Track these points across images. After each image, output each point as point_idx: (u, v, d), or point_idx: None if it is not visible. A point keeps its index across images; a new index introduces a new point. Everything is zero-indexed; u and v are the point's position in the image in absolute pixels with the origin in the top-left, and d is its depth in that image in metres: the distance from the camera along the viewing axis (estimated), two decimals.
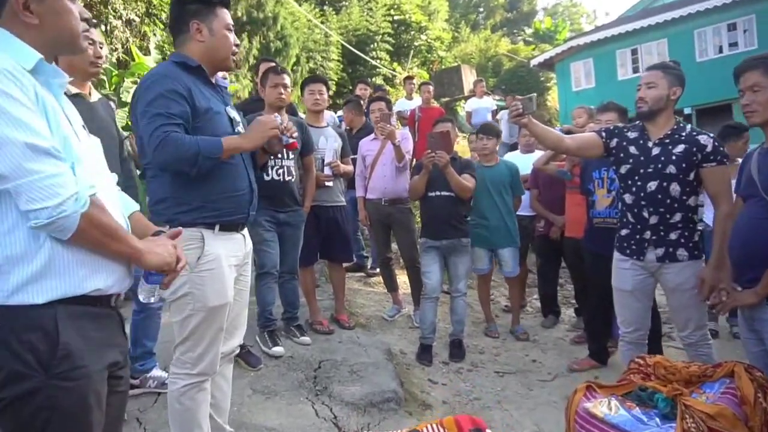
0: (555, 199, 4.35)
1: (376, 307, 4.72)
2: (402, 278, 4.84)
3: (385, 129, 4.08)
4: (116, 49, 10.70)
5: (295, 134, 2.14)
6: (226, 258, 1.93)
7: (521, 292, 4.79)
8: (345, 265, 5.75)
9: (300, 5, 20.24)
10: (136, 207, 1.54)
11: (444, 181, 3.67)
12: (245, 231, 2.09)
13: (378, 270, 5.01)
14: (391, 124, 4.20)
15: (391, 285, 4.57)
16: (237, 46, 2.04)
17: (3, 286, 1.15)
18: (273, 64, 3.96)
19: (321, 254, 3.99)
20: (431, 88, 7.23)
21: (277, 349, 3.27)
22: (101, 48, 2.47)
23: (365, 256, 5.68)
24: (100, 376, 1.26)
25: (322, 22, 20.13)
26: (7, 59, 1.16)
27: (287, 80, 3.39)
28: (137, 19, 10.36)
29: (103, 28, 10.12)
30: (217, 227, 1.91)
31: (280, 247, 3.40)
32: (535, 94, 2.72)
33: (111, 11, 10.65)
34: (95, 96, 2.55)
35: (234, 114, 2.05)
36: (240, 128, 2.05)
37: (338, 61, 19.92)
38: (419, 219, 4.20)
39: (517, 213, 4.45)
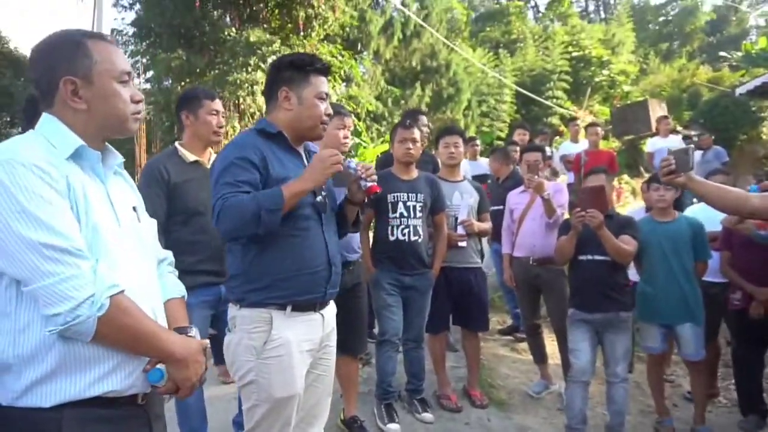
0: (755, 265, 3.43)
1: (521, 379, 4.20)
2: (554, 345, 4.25)
3: (533, 181, 3.68)
4: None
5: (375, 177, 1.90)
6: (297, 343, 1.77)
7: (709, 380, 3.84)
8: (500, 327, 5.36)
9: (474, 50, 20.51)
10: (179, 294, 1.47)
11: (598, 243, 3.13)
12: (326, 310, 1.91)
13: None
14: (539, 176, 3.78)
15: (539, 356, 4.03)
16: (329, 116, 1.92)
17: (13, 387, 1.12)
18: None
19: (454, 320, 3.67)
20: (599, 129, 6.52)
21: (393, 427, 3.01)
22: (223, 117, 2.60)
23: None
24: None
25: (496, 65, 20.08)
26: (38, 151, 1.16)
27: (416, 134, 3.24)
28: None
29: None
30: (288, 308, 1.77)
31: (405, 313, 3.18)
32: (692, 146, 2.13)
33: None
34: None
35: None
36: (322, 196, 1.90)
37: (512, 102, 19.58)
38: None
39: (704, 279, 3.61)
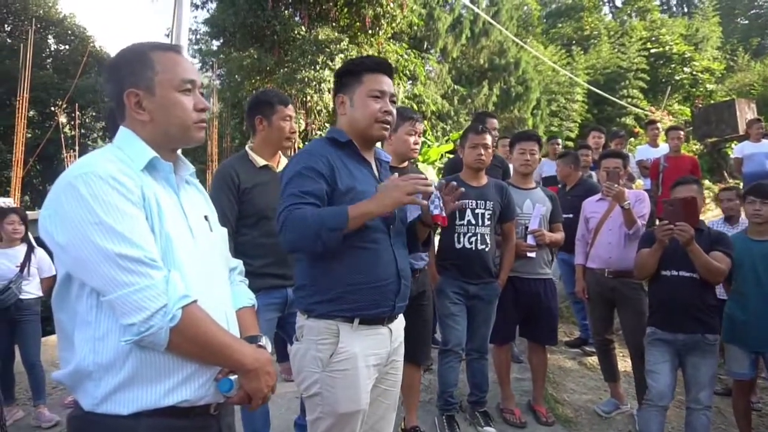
0: None
1: (589, 396, 3.99)
2: (625, 363, 4.01)
3: (612, 189, 3.47)
4: None
5: (457, 203, 1.79)
6: (364, 357, 1.72)
7: None
8: (567, 338, 5.13)
9: (545, 48, 19.89)
10: (249, 303, 1.47)
11: (684, 258, 2.89)
12: (394, 324, 1.85)
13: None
14: (620, 184, 3.55)
15: (610, 374, 3.80)
16: (387, 113, 1.82)
17: (94, 393, 1.15)
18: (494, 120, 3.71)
19: (521, 331, 3.53)
20: (681, 133, 6.09)
21: None
22: (295, 122, 2.60)
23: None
24: None
25: (567, 63, 19.39)
26: (114, 163, 1.19)
27: (488, 140, 3.12)
28: None
29: None
30: (356, 321, 1.72)
31: (469, 323, 3.09)
32: None
33: None
34: (283, 166, 2.67)
35: None
36: None
37: (583, 102, 18.88)
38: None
39: None
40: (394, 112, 1.86)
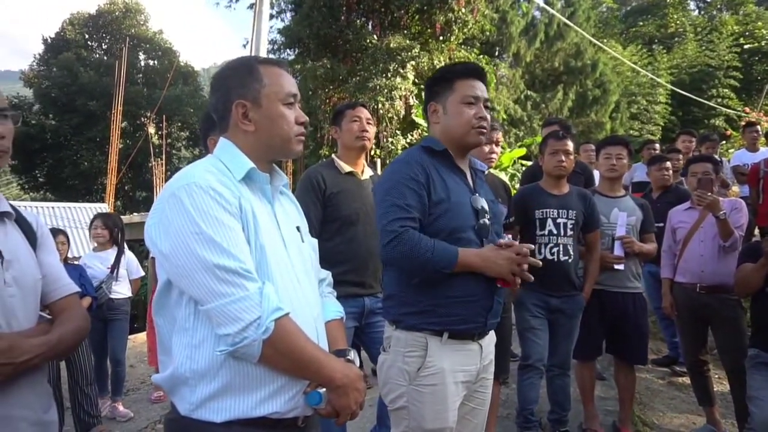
0: None
1: (681, 420, 3.70)
2: (722, 384, 3.70)
3: (705, 198, 3.22)
4: None
5: (524, 274, 1.71)
6: (452, 373, 1.67)
7: None
8: (655, 356, 4.79)
9: (624, 48, 19.01)
10: (338, 315, 1.47)
11: None
12: (485, 340, 1.79)
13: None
14: (713, 192, 3.29)
15: (705, 398, 3.50)
16: (482, 118, 1.78)
17: (190, 398, 1.17)
18: (555, 127, 3.59)
19: (608, 348, 3.33)
20: None
21: None
22: (369, 123, 2.62)
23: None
24: None
25: (648, 63, 18.42)
26: (214, 174, 1.21)
27: (570, 146, 2.99)
28: None
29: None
30: (445, 335, 1.68)
31: (551, 337, 2.95)
32: None
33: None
34: (367, 174, 2.68)
35: (482, 203, 1.79)
36: (486, 219, 1.78)
37: (666, 103, 17.85)
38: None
39: None
40: (489, 117, 1.83)
